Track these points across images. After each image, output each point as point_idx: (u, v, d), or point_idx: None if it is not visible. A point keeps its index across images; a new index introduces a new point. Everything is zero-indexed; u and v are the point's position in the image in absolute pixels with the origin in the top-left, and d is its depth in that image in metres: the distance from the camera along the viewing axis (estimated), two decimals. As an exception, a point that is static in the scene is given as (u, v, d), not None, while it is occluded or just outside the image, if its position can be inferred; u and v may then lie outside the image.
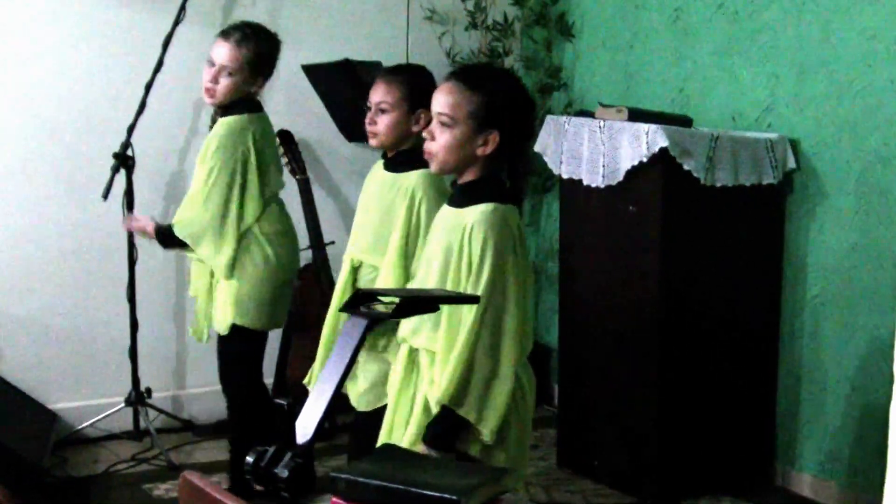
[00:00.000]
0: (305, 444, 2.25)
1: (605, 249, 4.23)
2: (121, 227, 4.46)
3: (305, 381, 3.51)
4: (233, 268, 3.84)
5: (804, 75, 4.17)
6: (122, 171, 4.40)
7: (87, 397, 4.70)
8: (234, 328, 3.87)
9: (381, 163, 3.52)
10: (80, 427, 4.61)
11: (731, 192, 4.11)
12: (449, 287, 2.70)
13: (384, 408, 3.12)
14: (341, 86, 4.83)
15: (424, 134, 2.78)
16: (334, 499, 2.19)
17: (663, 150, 3.95)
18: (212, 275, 3.91)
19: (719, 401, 4.21)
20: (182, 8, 4.54)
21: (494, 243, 2.64)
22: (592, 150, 4.18)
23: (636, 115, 4.16)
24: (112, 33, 4.64)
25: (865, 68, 3.96)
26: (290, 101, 4.85)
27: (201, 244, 3.84)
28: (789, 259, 4.28)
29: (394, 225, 3.33)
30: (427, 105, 3.23)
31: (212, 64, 3.81)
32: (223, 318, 3.88)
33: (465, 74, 2.79)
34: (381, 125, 3.38)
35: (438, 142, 2.73)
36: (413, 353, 2.80)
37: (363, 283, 3.41)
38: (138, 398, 4.57)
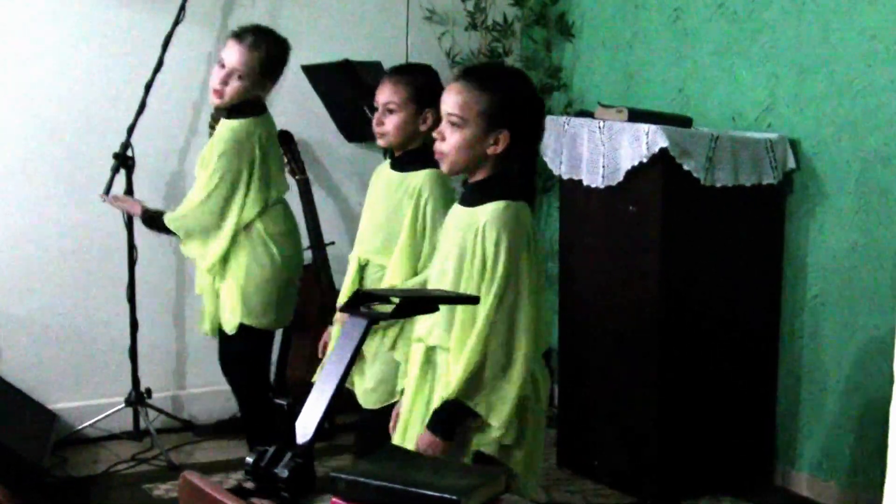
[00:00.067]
0: (305, 444, 2.25)
1: (605, 249, 4.23)
2: (121, 226, 4.46)
3: (313, 379, 3.52)
4: (223, 267, 3.87)
5: (804, 75, 4.17)
6: (122, 172, 4.40)
7: (87, 397, 4.70)
8: (242, 328, 3.88)
9: (387, 162, 3.52)
10: (80, 427, 4.61)
11: (731, 193, 4.11)
12: (463, 285, 2.71)
13: (391, 406, 3.13)
14: (341, 86, 4.83)
15: (434, 134, 2.78)
16: (334, 499, 2.19)
17: (663, 151, 3.95)
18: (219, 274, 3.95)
19: (719, 401, 4.21)
20: (182, 8, 4.54)
21: (508, 240, 2.65)
22: (592, 150, 4.18)
23: (636, 116, 4.16)
24: (112, 33, 4.64)
25: (865, 68, 3.96)
26: (290, 101, 4.85)
27: (191, 241, 3.93)
28: (789, 259, 4.27)
29: (401, 224, 3.34)
30: (434, 104, 3.23)
31: (222, 65, 3.81)
32: (230, 318, 3.90)
33: (474, 74, 2.79)
34: (389, 125, 3.38)
35: (449, 142, 2.73)
36: (430, 352, 2.80)
37: (370, 282, 3.42)
38: (138, 398, 4.57)
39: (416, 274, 3.30)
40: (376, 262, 3.42)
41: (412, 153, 3.39)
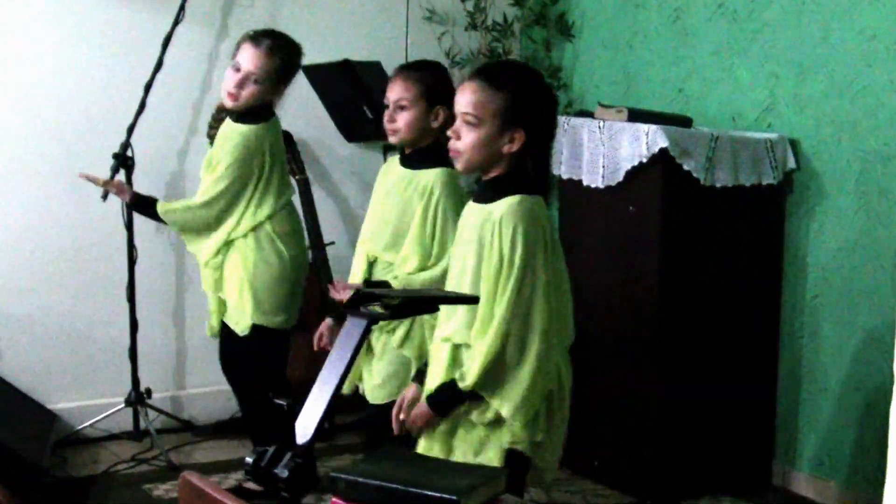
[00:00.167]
0: (305, 444, 2.25)
1: (605, 249, 4.23)
2: (120, 226, 4.46)
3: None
4: (224, 266, 3.89)
5: (804, 75, 4.17)
6: (122, 172, 4.40)
7: (86, 397, 4.70)
8: (255, 328, 3.88)
9: (396, 158, 3.52)
10: (79, 427, 4.60)
11: (731, 193, 4.11)
12: (483, 282, 2.71)
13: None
14: (341, 86, 4.83)
15: (449, 133, 2.79)
16: (334, 499, 2.20)
17: (663, 151, 3.95)
18: (213, 269, 3.94)
19: (719, 400, 4.21)
20: (181, 8, 4.54)
21: (524, 235, 2.67)
22: (592, 150, 4.18)
23: (636, 116, 4.16)
24: (112, 33, 4.64)
25: (865, 68, 3.96)
26: (290, 101, 4.83)
27: (187, 238, 3.96)
28: (789, 259, 4.27)
29: (410, 222, 3.35)
30: (444, 101, 3.24)
31: (237, 69, 3.80)
32: (241, 319, 3.89)
33: (488, 73, 2.79)
34: (400, 122, 3.38)
35: (464, 141, 2.74)
36: (456, 350, 2.80)
37: (379, 279, 3.42)
38: (138, 398, 4.56)
39: (425, 267, 3.31)
40: (384, 259, 3.42)
41: (423, 151, 3.39)
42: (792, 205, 4.26)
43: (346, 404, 4.00)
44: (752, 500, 4.20)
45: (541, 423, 2.76)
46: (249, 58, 3.79)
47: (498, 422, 2.74)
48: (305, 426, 2.29)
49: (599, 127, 4.16)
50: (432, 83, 3.39)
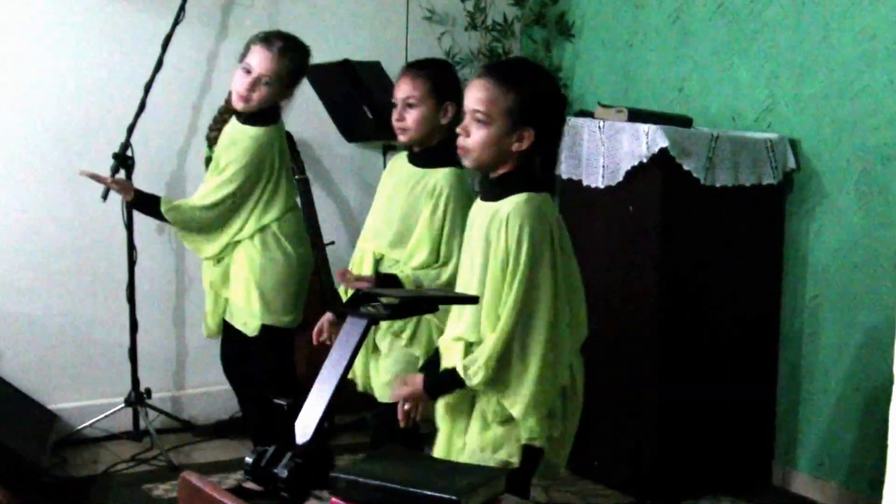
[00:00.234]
0: (305, 444, 2.25)
1: (605, 250, 4.23)
2: (120, 226, 4.46)
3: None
4: (227, 265, 3.89)
5: (804, 75, 4.17)
6: (122, 172, 4.39)
7: (86, 397, 4.70)
8: (264, 329, 3.88)
9: (403, 156, 3.51)
10: (79, 427, 4.60)
11: (731, 193, 4.11)
12: (489, 279, 2.72)
13: None
14: (341, 86, 4.83)
15: (458, 130, 2.78)
16: (334, 499, 2.19)
17: (663, 151, 3.95)
18: (214, 268, 3.93)
19: (719, 400, 4.21)
20: (182, 8, 4.53)
21: (530, 233, 2.67)
22: (592, 150, 4.18)
23: (636, 116, 4.16)
24: (112, 33, 4.64)
25: (865, 68, 3.96)
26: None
27: (188, 238, 3.95)
28: (789, 259, 4.27)
29: (417, 220, 3.35)
30: (453, 97, 3.24)
31: (248, 71, 3.79)
32: (250, 320, 3.89)
33: (500, 71, 2.80)
34: (410, 120, 3.38)
35: (473, 138, 2.74)
36: (469, 349, 2.80)
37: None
38: (138, 399, 4.56)
39: (431, 266, 3.31)
40: (391, 256, 3.42)
41: (433, 150, 3.39)
42: (792, 205, 4.26)
43: (346, 404, 4.02)
44: (752, 500, 4.20)
45: (557, 418, 2.77)
46: (260, 60, 3.78)
47: (514, 419, 2.75)
48: (305, 426, 2.29)
49: (599, 127, 4.15)
50: (440, 80, 3.39)
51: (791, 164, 4.19)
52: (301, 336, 4.51)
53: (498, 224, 2.71)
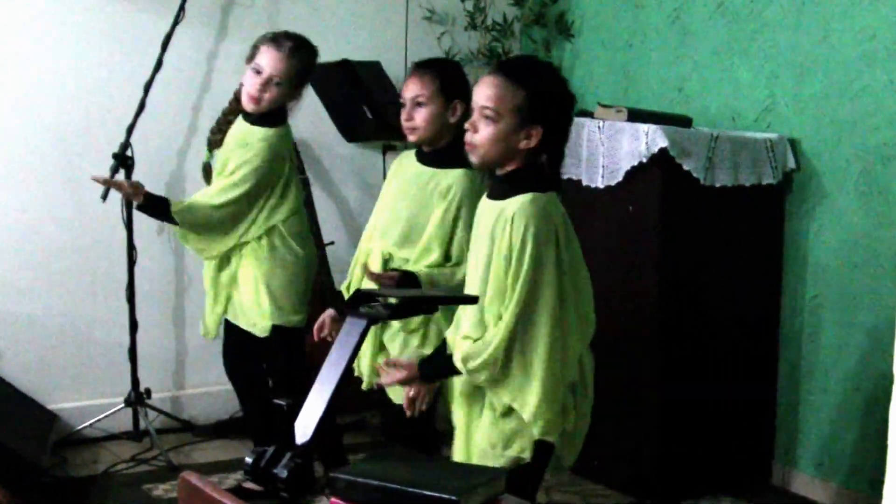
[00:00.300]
0: (305, 444, 2.25)
1: (605, 250, 4.23)
2: (120, 226, 4.46)
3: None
4: (235, 268, 3.89)
5: (804, 75, 4.17)
6: (122, 172, 4.39)
7: (86, 398, 4.70)
8: (274, 329, 3.88)
9: (410, 155, 3.50)
10: (79, 427, 4.60)
11: (731, 193, 4.11)
12: (492, 277, 2.72)
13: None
14: (340, 86, 4.83)
15: (466, 126, 2.77)
16: (334, 499, 2.19)
17: (663, 151, 3.95)
18: (218, 269, 3.94)
19: (719, 400, 4.20)
20: (181, 8, 4.53)
21: (535, 233, 2.67)
22: (592, 150, 4.18)
23: (635, 116, 4.16)
24: (112, 33, 4.64)
25: (865, 68, 3.96)
26: (289, 101, 4.85)
27: (193, 239, 3.92)
28: (789, 259, 4.27)
29: (426, 220, 3.35)
30: (461, 95, 3.23)
31: (258, 72, 3.77)
32: (260, 320, 3.88)
33: (509, 68, 2.79)
34: (419, 119, 3.37)
35: (481, 134, 2.73)
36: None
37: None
38: (138, 399, 4.56)
39: (442, 264, 3.31)
40: (399, 255, 3.41)
41: (444, 150, 3.37)
42: (792, 205, 4.26)
43: (345, 404, 4.01)
44: (752, 500, 4.20)
45: (569, 413, 2.77)
46: (271, 60, 3.76)
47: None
48: (305, 426, 2.29)
49: (599, 127, 4.15)
50: (448, 78, 3.38)
51: (791, 163, 4.18)
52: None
53: (503, 223, 2.71)
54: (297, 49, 3.80)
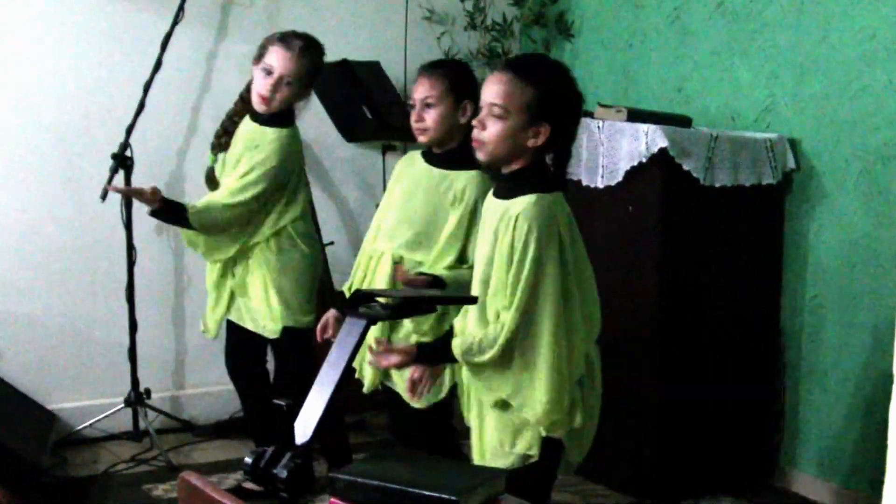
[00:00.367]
0: (304, 444, 2.25)
1: (605, 250, 4.22)
2: (120, 227, 4.46)
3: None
4: (245, 271, 3.89)
5: (803, 75, 4.17)
6: (121, 172, 4.39)
7: (86, 398, 4.70)
8: (286, 331, 3.87)
9: (416, 156, 3.49)
10: (79, 427, 4.60)
11: (731, 193, 4.11)
12: (494, 277, 2.72)
13: (441, 403, 3.14)
14: (340, 86, 4.83)
15: (474, 122, 2.76)
16: (333, 499, 2.19)
17: (663, 151, 3.95)
18: (222, 273, 3.92)
19: (719, 400, 4.20)
20: (181, 8, 4.53)
21: (537, 236, 2.66)
22: (591, 150, 4.18)
23: (635, 116, 4.16)
24: (111, 33, 4.64)
25: (864, 68, 3.96)
26: (289, 101, 4.85)
27: (202, 242, 3.88)
28: (789, 259, 4.27)
29: (439, 222, 3.33)
30: (470, 95, 3.22)
31: (269, 72, 3.75)
32: (270, 322, 3.87)
33: (519, 65, 2.78)
34: (429, 120, 3.35)
35: (489, 131, 2.73)
36: None
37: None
38: (137, 399, 4.56)
39: (457, 266, 3.30)
40: (412, 258, 3.39)
41: (456, 151, 3.34)
42: (792, 205, 4.26)
43: (345, 404, 4.01)
44: (753, 501, 4.20)
45: (577, 410, 2.77)
46: (281, 60, 3.75)
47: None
48: (304, 426, 2.28)
49: (599, 127, 4.15)
50: (458, 78, 3.37)
51: (791, 163, 4.18)
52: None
53: (506, 222, 2.70)
54: (307, 48, 3.79)
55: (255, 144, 3.81)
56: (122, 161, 4.39)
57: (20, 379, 4.57)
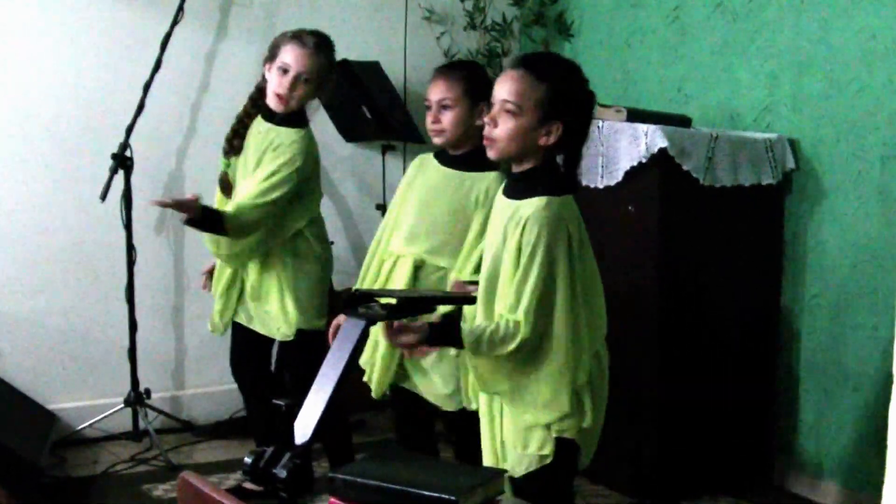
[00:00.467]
0: (304, 444, 2.25)
1: (604, 250, 4.22)
2: (120, 227, 4.46)
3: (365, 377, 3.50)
4: (235, 270, 3.86)
5: (803, 75, 4.16)
6: (121, 172, 4.39)
7: (86, 398, 4.70)
8: (299, 333, 3.84)
9: (428, 158, 3.47)
10: (79, 427, 4.60)
11: (731, 193, 4.11)
12: (502, 277, 2.71)
13: (471, 410, 3.15)
14: (339, 86, 4.82)
15: (486, 120, 2.75)
16: (332, 499, 2.19)
17: (662, 151, 3.95)
18: (234, 274, 3.90)
19: (719, 400, 4.20)
20: (180, 8, 4.53)
21: (546, 241, 2.65)
22: (591, 150, 4.18)
23: (635, 116, 4.16)
24: (111, 33, 4.64)
25: (864, 68, 3.95)
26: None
27: (223, 244, 3.82)
28: (789, 259, 4.27)
29: (460, 225, 3.31)
30: (486, 97, 3.22)
31: (285, 71, 3.73)
32: (283, 325, 3.84)
33: (532, 63, 2.77)
34: (445, 121, 3.34)
35: (501, 129, 2.71)
36: None
37: (429, 284, 3.37)
38: (137, 399, 4.56)
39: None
40: (434, 262, 3.36)
41: (475, 153, 3.29)
42: (791, 205, 4.26)
43: (345, 404, 4.00)
44: (752, 501, 4.20)
45: (588, 410, 2.77)
46: (297, 57, 3.72)
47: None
48: (304, 426, 2.28)
49: (598, 127, 4.15)
50: (474, 80, 3.36)
51: (790, 163, 4.18)
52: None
53: (516, 223, 2.69)
54: (321, 44, 3.77)
55: (276, 145, 3.77)
56: (122, 161, 4.39)
57: (20, 379, 4.58)
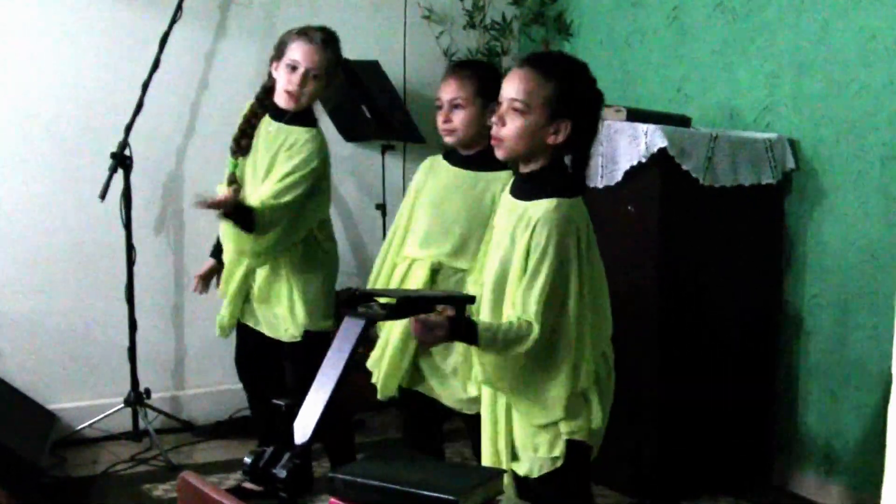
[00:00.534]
0: (304, 444, 2.24)
1: (604, 250, 4.21)
2: (120, 227, 4.45)
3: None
4: (245, 274, 3.87)
5: (803, 75, 4.16)
6: (120, 171, 4.39)
7: (86, 398, 4.69)
8: (306, 334, 3.83)
9: (437, 160, 3.46)
10: (79, 427, 4.60)
11: (730, 193, 4.11)
12: (511, 279, 2.70)
13: None
14: (339, 85, 4.82)
15: (493, 119, 2.73)
16: (332, 499, 2.19)
17: (662, 150, 3.94)
18: (245, 276, 3.89)
19: (719, 400, 4.20)
20: (179, 7, 4.53)
21: (556, 244, 2.65)
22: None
23: (635, 115, 4.16)
24: (110, 33, 4.64)
25: (864, 68, 3.95)
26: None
27: (246, 241, 3.77)
28: (789, 259, 4.27)
29: (476, 226, 3.29)
30: (498, 97, 3.21)
31: (294, 67, 3.71)
32: (292, 326, 3.83)
33: (539, 61, 2.76)
34: (457, 121, 3.33)
35: (509, 127, 2.70)
36: None
37: (448, 286, 3.34)
38: (137, 399, 4.56)
39: None
40: (453, 265, 3.34)
41: (485, 153, 3.24)
42: (791, 205, 4.26)
43: (345, 405, 3.99)
44: (752, 501, 4.20)
45: (596, 410, 2.78)
46: (305, 53, 3.71)
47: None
48: (304, 426, 2.28)
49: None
50: (486, 80, 3.33)
51: (790, 163, 4.18)
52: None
53: (525, 225, 2.68)
54: (328, 40, 3.76)
55: (289, 145, 3.75)
56: (122, 160, 4.39)
57: (20, 379, 4.57)
